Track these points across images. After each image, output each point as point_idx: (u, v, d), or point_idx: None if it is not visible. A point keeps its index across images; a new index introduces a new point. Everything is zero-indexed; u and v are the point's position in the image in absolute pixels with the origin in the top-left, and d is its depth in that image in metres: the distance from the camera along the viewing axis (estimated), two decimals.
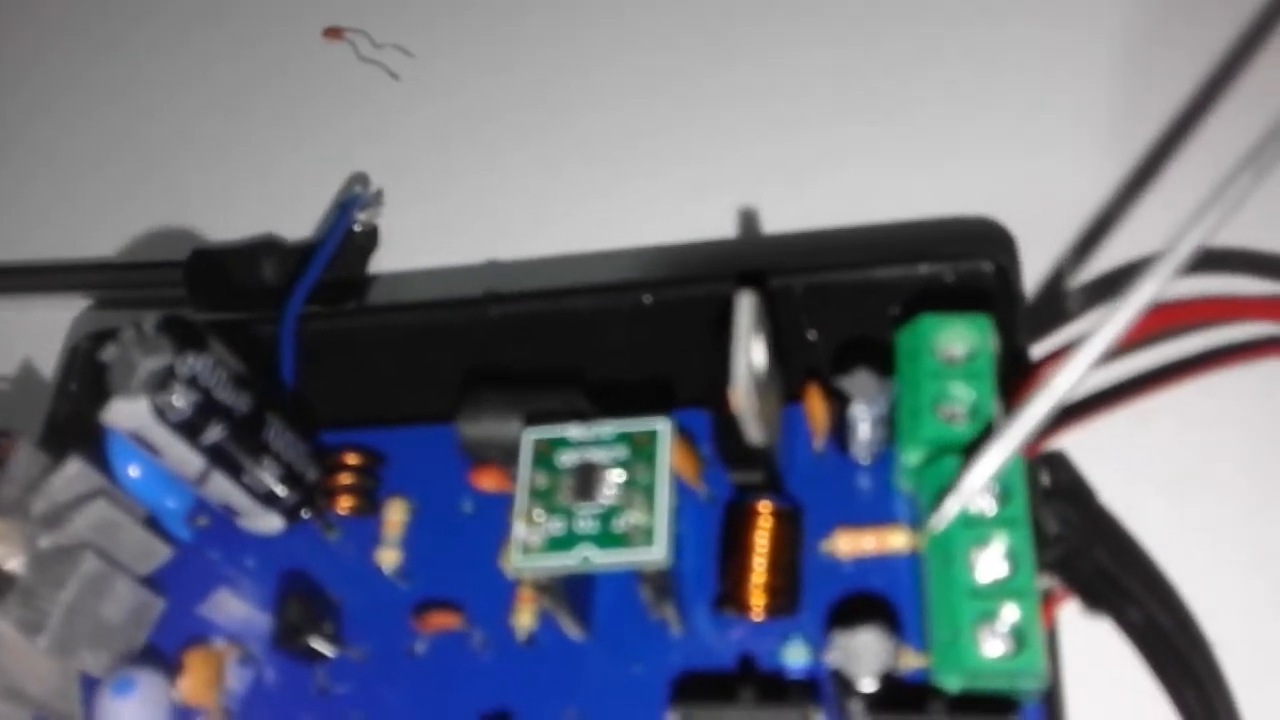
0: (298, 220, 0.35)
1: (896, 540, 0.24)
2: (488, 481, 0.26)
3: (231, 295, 0.33)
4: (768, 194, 0.32)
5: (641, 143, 0.34)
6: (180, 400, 0.24)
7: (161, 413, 0.24)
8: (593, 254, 0.32)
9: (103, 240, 0.37)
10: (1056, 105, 0.31)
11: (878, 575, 0.24)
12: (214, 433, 0.24)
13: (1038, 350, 0.26)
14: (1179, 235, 0.20)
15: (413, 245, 0.34)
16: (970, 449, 0.22)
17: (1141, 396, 0.25)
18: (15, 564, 0.25)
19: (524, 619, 0.25)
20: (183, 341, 0.24)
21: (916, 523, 0.24)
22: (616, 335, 0.28)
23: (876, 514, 0.24)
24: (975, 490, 0.22)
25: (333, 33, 0.39)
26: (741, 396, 0.22)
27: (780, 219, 0.31)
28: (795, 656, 0.23)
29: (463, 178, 0.35)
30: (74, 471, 0.25)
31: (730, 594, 0.24)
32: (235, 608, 0.27)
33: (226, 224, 0.36)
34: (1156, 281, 0.20)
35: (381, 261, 0.34)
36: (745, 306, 0.23)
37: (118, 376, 0.24)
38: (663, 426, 0.23)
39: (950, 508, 0.22)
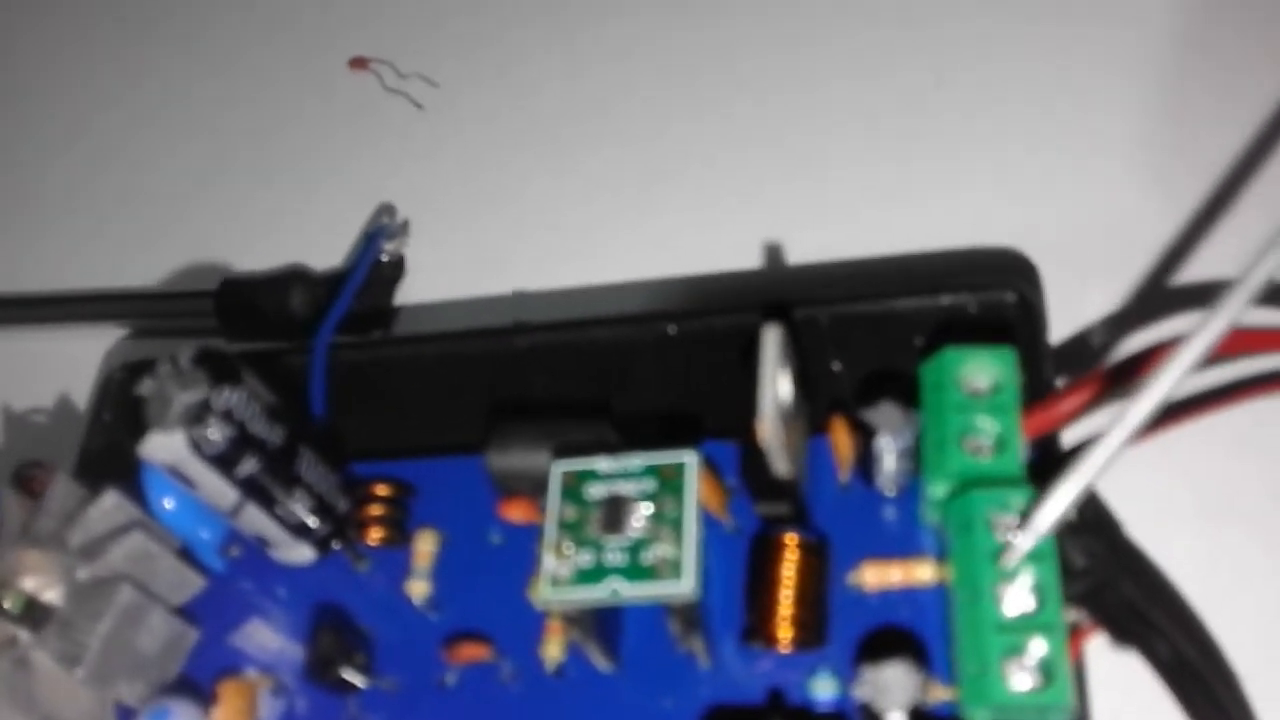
0: (325, 250, 0.36)
1: (923, 573, 0.24)
2: (516, 513, 0.26)
3: (260, 324, 0.34)
4: (792, 225, 0.32)
5: (667, 174, 0.34)
6: (216, 434, 0.24)
7: (197, 446, 0.24)
8: (618, 285, 0.33)
9: (133, 271, 0.38)
10: (1079, 137, 0.31)
11: (904, 607, 0.24)
12: (248, 465, 0.25)
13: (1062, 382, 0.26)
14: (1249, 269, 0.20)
15: (439, 275, 0.34)
16: (1042, 483, 0.22)
17: (1165, 428, 0.25)
18: (53, 595, 0.25)
19: (553, 650, 0.25)
20: (218, 375, 0.24)
21: (943, 555, 0.24)
22: (642, 365, 0.29)
23: (902, 546, 0.25)
24: (1048, 527, 0.21)
25: (358, 63, 0.39)
26: (768, 430, 0.22)
27: (804, 250, 0.31)
28: (823, 689, 0.23)
29: (489, 208, 0.35)
30: (110, 504, 0.26)
31: (757, 626, 0.24)
32: (266, 638, 0.27)
33: (255, 254, 0.37)
34: (1226, 314, 0.20)
35: (408, 292, 0.34)
36: (771, 340, 0.23)
37: (154, 410, 0.24)
38: (690, 459, 0.23)
39: (1023, 544, 0.22)
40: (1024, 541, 0.22)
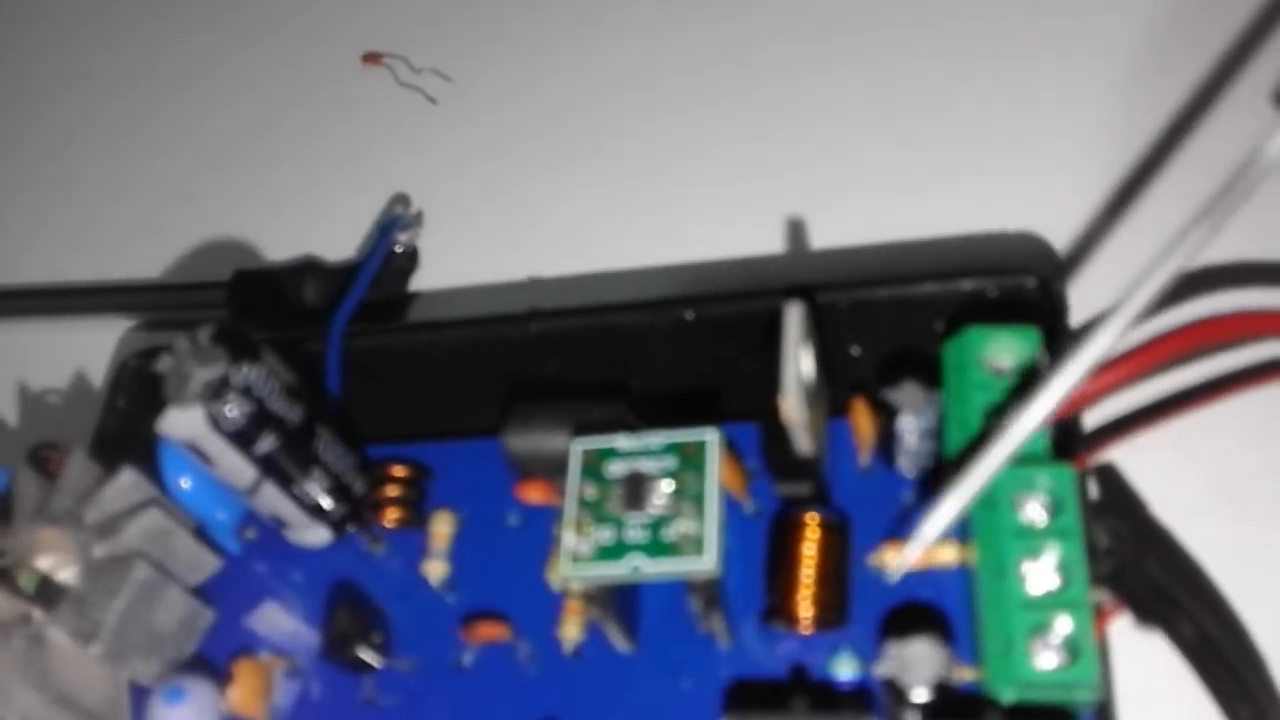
0: (339, 242, 0.36)
1: (944, 554, 0.24)
2: (534, 494, 0.26)
3: (273, 315, 0.34)
4: (810, 210, 0.32)
5: (682, 160, 0.34)
6: (234, 410, 0.24)
7: (216, 422, 0.24)
8: (634, 270, 0.33)
9: (146, 262, 0.38)
10: (1100, 123, 0.31)
11: (924, 588, 0.24)
12: (266, 443, 0.25)
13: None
14: (1130, 292, 0.21)
15: (454, 265, 0.34)
16: (927, 495, 0.23)
17: (1186, 411, 0.25)
18: (68, 574, 0.25)
19: (570, 631, 0.25)
20: (237, 352, 0.24)
21: (964, 536, 0.24)
22: (658, 351, 0.29)
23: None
24: (933, 537, 0.22)
25: (371, 58, 0.39)
26: (792, 405, 0.22)
27: (823, 235, 0.31)
28: (844, 669, 0.23)
29: (503, 198, 0.35)
30: (127, 482, 0.26)
31: (778, 606, 0.24)
32: (282, 620, 0.27)
33: (269, 246, 0.37)
34: (1105, 341, 0.21)
35: (425, 279, 0.34)
36: (794, 317, 0.23)
37: (173, 386, 0.24)
38: (711, 437, 0.23)
39: (910, 555, 0.22)
40: (911, 552, 0.22)
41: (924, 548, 0.22)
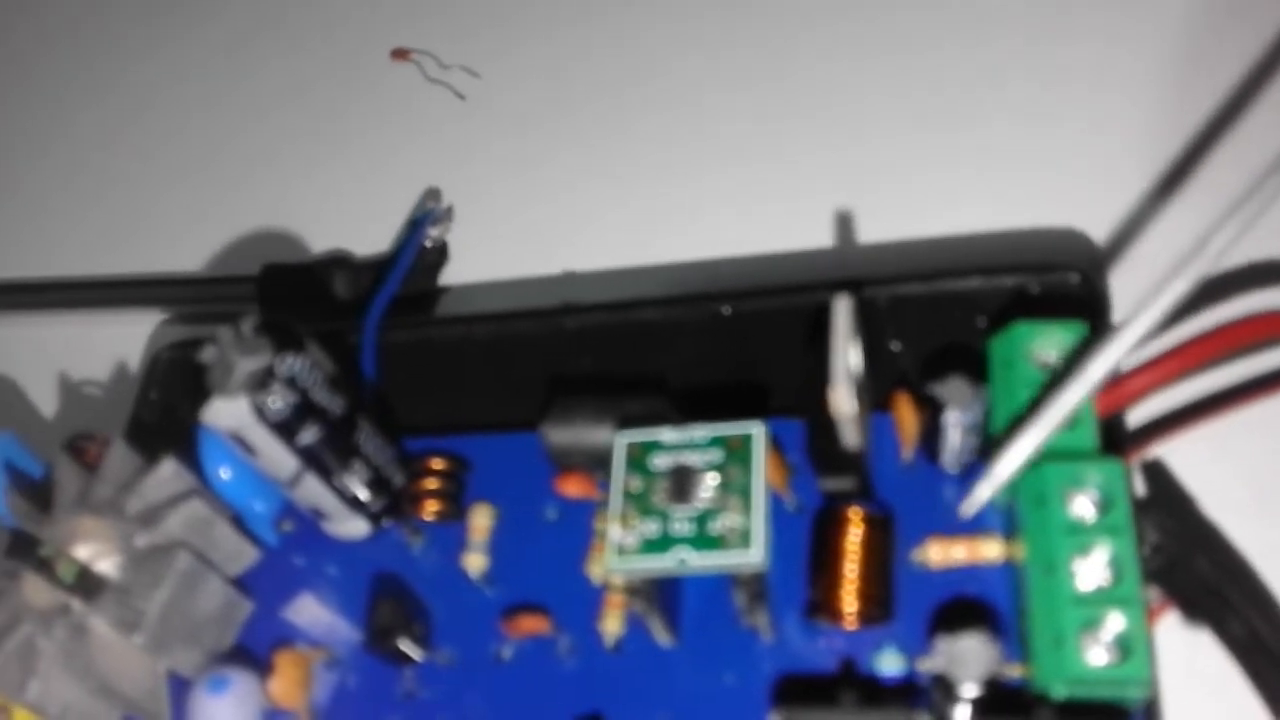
0: (369, 236, 0.36)
1: (989, 550, 0.24)
2: (573, 488, 0.26)
3: (303, 309, 0.33)
4: (850, 205, 0.32)
5: (716, 154, 0.34)
6: (278, 401, 0.24)
7: (260, 412, 0.24)
8: (668, 265, 0.32)
9: (177, 256, 0.38)
10: (1144, 119, 0.30)
11: (969, 585, 0.24)
12: (309, 434, 0.25)
13: (1126, 362, 0.26)
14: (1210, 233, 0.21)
15: (484, 260, 0.34)
16: (1001, 437, 0.23)
17: (1229, 410, 0.25)
18: (108, 564, 0.25)
19: (611, 625, 0.25)
20: (281, 342, 0.24)
21: (1008, 533, 0.24)
22: (695, 346, 0.29)
23: (967, 523, 0.24)
24: (1006, 478, 0.22)
25: (400, 54, 0.39)
26: (842, 398, 0.22)
27: (863, 230, 0.31)
28: (889, 664, 0.23)
29: (534, 192, 0.35)
30: (168, 472, 0.26)
31: (822, 602, 0.24)
32: (318, 612, 0.27)
33: (299, 240, 0.37)
34: (1192, 273, 0.21)
35: (453, 276, 0.34)
36: (843, 310, 0.23)
37: (217, 377, 0.24)
38: (757, 430, 0.23)
39: (982, 494, 0.22)
40: (983, 491, 0.22)
41: (997, 487, 0.22)
